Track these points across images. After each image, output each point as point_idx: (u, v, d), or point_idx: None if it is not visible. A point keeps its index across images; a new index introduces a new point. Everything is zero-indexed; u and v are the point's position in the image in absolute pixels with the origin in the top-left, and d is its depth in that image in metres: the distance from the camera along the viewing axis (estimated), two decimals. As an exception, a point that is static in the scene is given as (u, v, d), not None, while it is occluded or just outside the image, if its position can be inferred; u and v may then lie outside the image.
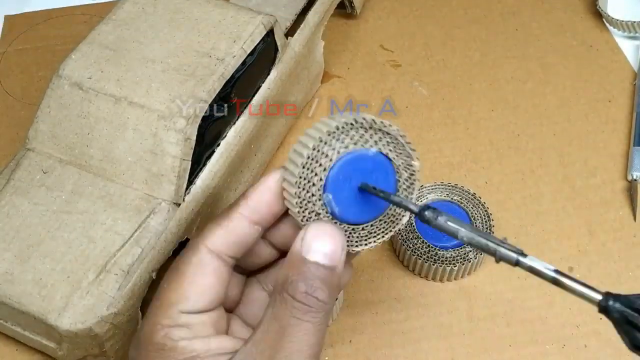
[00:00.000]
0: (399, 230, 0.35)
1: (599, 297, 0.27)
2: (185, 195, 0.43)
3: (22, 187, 0.43)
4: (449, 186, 0.50)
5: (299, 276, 0.30)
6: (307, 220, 0.32)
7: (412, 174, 0.33)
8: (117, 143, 0.43)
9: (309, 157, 0.31)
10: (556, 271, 0.28)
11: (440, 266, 0.46)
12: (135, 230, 0.41)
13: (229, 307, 0.37)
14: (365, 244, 0.34)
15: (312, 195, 0.31)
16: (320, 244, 0.30)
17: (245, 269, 0.37)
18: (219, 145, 0.46)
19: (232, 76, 0.45)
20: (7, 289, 0.40)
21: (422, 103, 0.60)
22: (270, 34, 0.49)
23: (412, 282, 0.48)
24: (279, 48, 0.50)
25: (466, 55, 0.63)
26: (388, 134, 0.32)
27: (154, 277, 0.41)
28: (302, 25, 0.55)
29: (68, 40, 0.65)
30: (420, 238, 0.47)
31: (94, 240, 0.41)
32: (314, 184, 0.31)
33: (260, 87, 0.50)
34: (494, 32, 0.65)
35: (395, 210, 0.34)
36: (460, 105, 0.59)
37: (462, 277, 0.48)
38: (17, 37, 0.66)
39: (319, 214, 0.32)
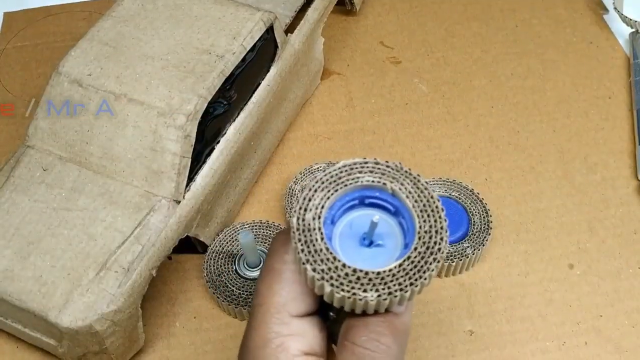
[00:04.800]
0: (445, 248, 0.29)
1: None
2: (185, 192, 0.43)
3: (22, 185, 0.43)
4: (447, 182, 0.50)
5: (360, 321, 0.28)
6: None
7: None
8: (116, 140, 0.43)
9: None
10: None
11: (440, 263, 0.46)
12: (136, 228, 0.41)
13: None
14: (418, 278, 0.28)
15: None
16: None
17: None
18: (218, 142, 0.46)
19: (232, 73, 0.45)
20: (8, 286, 0.40)
21: (422, 100, 0.60)
22: (270, 30, 0.49)
23: (412, 279, 0.48)
24: (279, 45, 0.50)
25: (466, 52, 0.63)
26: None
27: (154, 275, 0.41)
28: (301, 22, 0.54)
29: (67, 37, 0.65)
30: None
31: (94, 237, 0.41)
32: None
33: (260, 84, 0.50)
34: (494, 28, 0.65)
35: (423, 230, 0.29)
36: (460, 101, 0.59)
37: (460, 272, 0.48)
38: (16, 34, 0.66)
39: None
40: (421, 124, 0.58)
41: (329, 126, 0.58)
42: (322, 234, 0.28)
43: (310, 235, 0.28)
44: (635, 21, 0.63)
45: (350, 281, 0.27)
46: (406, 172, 0.29)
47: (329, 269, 0.27)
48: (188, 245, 0.47)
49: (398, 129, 0.57)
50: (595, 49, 0.63)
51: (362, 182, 0.29)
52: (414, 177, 0.29)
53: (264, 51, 0.49)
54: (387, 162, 0.29)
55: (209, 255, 0.47)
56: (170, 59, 0.45)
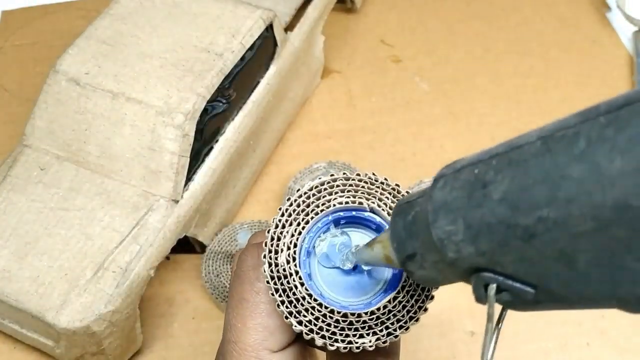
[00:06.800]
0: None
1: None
2: (183, 192, 0.43)
3: (19, 184, 0.43)
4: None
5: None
6: None
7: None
8: (114, 139, 0.42)
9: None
10: None
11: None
12: (133, 228, 0.41)
13: None
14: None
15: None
16: None
17: None
18: (217, 141, 0.46)
19: (231, 71, 0.45)
20: (5, 287, 0.39)
21: (423, 98, 0.59)
22: (269, 28, 0.48)
23: (412, 279, 0.47)
24: (279, 43, 0.50)
25: (468, 50, 0.63)
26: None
27: (152, 275, 0.41)
28: (301, 20, 0.54)
29: (65, 35, 0.64)
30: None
31: (91, 237, 0.41)
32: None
33: (259, 82, 0.49)
34: (496, 26, 0.65)
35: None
36: (462, 100, 0.59)
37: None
38: (14, 32, 0.66)
39: None
40: (422, 123, 0.57)
41: (329, 125, 0.57)
42: (300, 279, 0.24)
43: (288, 283, 0.24)
44: (639, 19, 0.62)
45: (342, 329, 0.24)
46: (382, 183, 0.26)
47: (317, 318, 0.24)
48: (186, 245, 0.47)
49: (399, 128, 0.57)
50: (598, 47, 0.63)
51: (334, 204, 0.25)
52: (392, 189, 0.26)
53: (263, 49, 0.48)
54: (359, 175, 0.26)
55: (207, 255, 0.47)
56: (168, 57, 0.44)
